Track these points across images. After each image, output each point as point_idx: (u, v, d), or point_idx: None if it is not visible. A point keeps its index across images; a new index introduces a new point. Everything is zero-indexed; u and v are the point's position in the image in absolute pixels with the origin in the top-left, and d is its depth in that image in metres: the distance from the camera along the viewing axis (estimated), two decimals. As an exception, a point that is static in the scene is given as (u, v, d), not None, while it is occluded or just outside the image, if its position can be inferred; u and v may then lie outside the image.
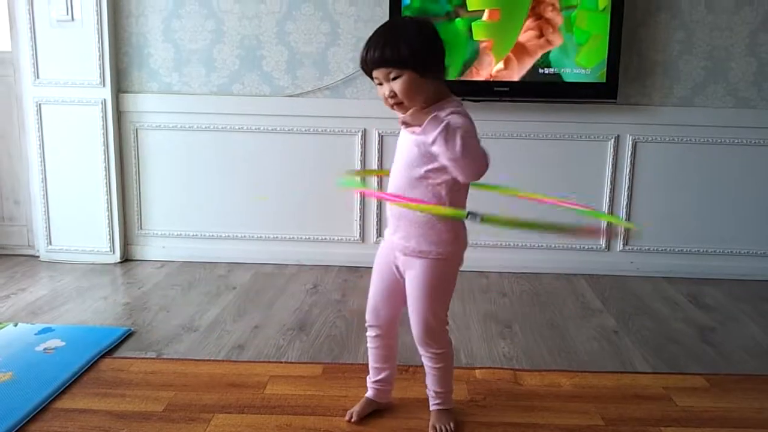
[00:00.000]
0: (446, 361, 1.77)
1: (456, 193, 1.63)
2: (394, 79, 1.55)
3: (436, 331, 1.72)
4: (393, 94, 1.56)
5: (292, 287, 2.98)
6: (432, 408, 1.81)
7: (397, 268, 1.72)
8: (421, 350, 1.76)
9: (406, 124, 1.57)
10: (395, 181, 1.68)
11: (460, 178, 1.55)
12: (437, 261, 1.65)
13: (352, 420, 1.82)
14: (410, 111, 1.56)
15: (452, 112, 1.56)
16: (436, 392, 1.80)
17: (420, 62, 1.53)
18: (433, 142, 1.50)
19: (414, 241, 1.65)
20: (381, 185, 3.10)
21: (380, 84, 1.58)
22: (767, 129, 3.14)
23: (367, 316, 1.82)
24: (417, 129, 1.54)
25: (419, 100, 1.58)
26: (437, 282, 1.68)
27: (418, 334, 1.72)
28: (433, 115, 1.52)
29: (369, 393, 1.88)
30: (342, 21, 3.13)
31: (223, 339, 2.40)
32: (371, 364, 1.86)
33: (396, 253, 1.70)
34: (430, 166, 1.59)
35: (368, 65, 1.57)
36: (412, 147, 1.62)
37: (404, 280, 1.72)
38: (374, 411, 1.86)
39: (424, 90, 1.57)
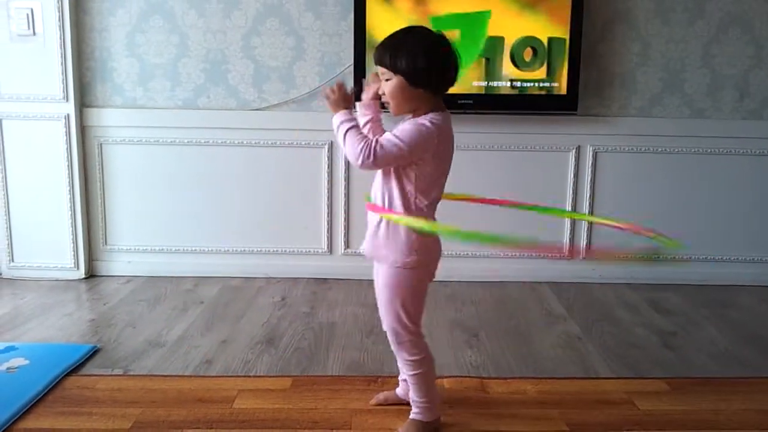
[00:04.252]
0: (422, 369, 1.78)
1: (422, 183, 1.67)
2: (387, 80, 1.64)
3: (403, 338, 1.75)
4: (383, 93, 1.67)
5: (260, 300, 2.98)
6: (410, 416, 1.83)
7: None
8: (396, 356, 1.80)
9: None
10: (373, 186, 1.76)
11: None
12: (400, 269, 1.69)
13: (372, 402, 1.95)
14: (332, 100, 1.73)
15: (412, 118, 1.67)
16: (413, 401, 1.82)
17: (413, 74, 1.61)
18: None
19: (378, 247, 1.71)
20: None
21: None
22: (721, 138, 3.24)
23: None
24: None
25: (405, 107, 1.68)
26: (400, 288, 1.71)
27: (389, 338, 1.77)
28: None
29: (399, 390, 1.96)
30: (307, 35, 3.15)
31: (191, 354, 2.38)
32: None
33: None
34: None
35: (374, 60, 1.67)
36: None
37: None
38: (342, 423, 1.87)
39: (412, 99, 1.65)
